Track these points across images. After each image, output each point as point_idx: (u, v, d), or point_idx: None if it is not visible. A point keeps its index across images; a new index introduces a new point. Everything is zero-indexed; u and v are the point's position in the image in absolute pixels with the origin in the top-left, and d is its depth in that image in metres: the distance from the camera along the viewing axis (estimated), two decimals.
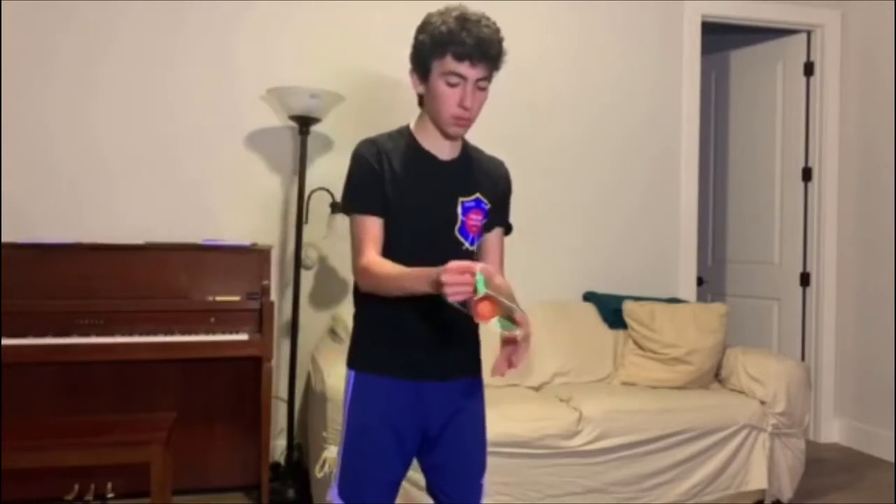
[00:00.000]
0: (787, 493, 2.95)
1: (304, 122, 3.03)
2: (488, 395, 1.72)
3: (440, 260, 1.34)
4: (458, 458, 1.63)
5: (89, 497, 2.58)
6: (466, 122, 1.55)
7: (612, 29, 3.75)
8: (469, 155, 1.67)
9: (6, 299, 2.67)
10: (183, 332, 2.73)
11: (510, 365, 1.37)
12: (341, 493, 1.60)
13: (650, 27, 3.80)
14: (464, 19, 1.47)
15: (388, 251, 1.55)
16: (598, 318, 3.43)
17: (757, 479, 2.85)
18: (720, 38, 4.30)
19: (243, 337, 2.76)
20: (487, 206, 1.64)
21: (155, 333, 2.71)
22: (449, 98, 1.51)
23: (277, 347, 3.17)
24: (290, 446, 3.09)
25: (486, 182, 1.66)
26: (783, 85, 4.13)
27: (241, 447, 3.04)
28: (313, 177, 3.21)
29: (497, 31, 1.51)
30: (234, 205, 3.28)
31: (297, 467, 3.08)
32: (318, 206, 3.17)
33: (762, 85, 4.23)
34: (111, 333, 2.68)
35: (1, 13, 3.04)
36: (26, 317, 2.66)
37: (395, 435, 1.57)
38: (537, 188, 3.56)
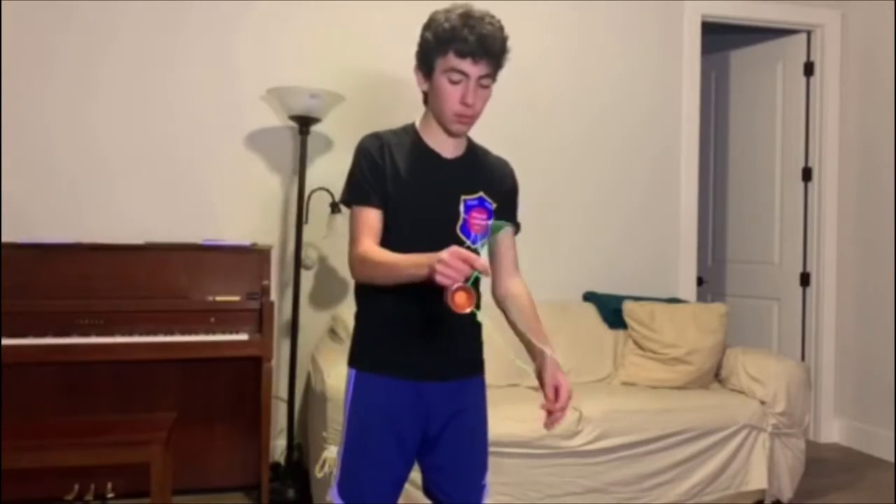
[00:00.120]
0: (787, 493, 2.95)
1: (304, 122, 3.03)
2: (488, 395, 1.72)
3: None
4: (458, 458, 1.63)
5: (89, 497, 2.58)
6: (469, 120, 1.55)
7: (612, 29, 3.75)
8: (474, 154, 1.68)
9: (6, 299, 2.67)
10: (183, 332, 2.73)
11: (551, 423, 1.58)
12: (341, 493, 1.60)
13: (650, 27, 3.80)
14: (467, 16, 1.48)
15: (389, 247, 1.55)
16: (598, 318, 3.43)
17: (757, 479, 2.85)
18: (720, 38, 4.30)
19: (243, 337, 2.76)
20: (492, 206, 1.64)
21: (155, 333, 2.71)
22: (451, 95, 1.51)
23: (277, 347, 3.17)
24: (290, 446, 3.09)
25: (491, 181, 1.66)
26: (783, 85, 4.13)
27: (241, 447, 3.04)
28: (313, 177, 3.21)
29: (500, 28, 1.51)
30: (234, 205, 3.28)
31: (297, 467, 3.08)
32: (318, 206, 3.17)
33: (762, 85, 4.23)
34: (111, 333, 2.68)
35: (1, 13, 3.04)
36: (26, 317, 2.65)
37: (395, 434, 1.57)
38: (537, 188, 3.56)
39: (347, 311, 3.13)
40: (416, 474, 1.73)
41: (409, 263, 1.40)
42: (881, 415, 3.72)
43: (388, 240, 1.56)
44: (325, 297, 3.38)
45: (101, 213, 3.14)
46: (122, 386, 2.95)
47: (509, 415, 2.57)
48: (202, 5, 3.24)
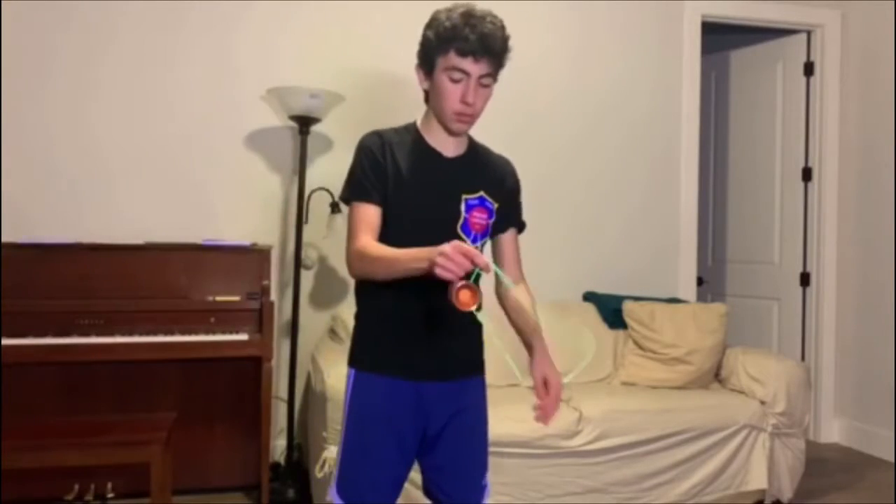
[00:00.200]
0: (787, 493, 2.95)
1: (304, 122, 3.03)
2: (488, 395, 1.72)
3: None
4: (458, 458, 1.63)
5: (89, 497, 2.58)
6: (469, 119, 1.55)
7: (612, 29, 3.75)
8: (475, 153, 1.68)
9: (6, 299, 2.67)
10: (183, 332, 2.73)
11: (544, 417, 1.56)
12: (340, 492, 1.60)
13: (650, 27, 3.80)
14: (469, 15, 1.48)
15: (388, 244, 1.54)
16: (598, 318, 3.43)
17: (757, 479, 2.85)
18: (720, 38, 4.30)
19: (243, 337, 2.76)
20: (493, 206, 1.64)
21: (155, 333, 2.71)
22: (452, 94, 1.51)
23: (277, 347, 3.17)
24: (290, 446, 3.09)
25: (492, 180, 1.66)
26: (783, 85, 4.13)
27: (241, 447, 3.04)
28: (313, 177, 3.21)
29: (502, 28, 1.51)
30: (234, 205, 3.28)
31: (297, 467, 3.08)
32: (318, 206, 3.17)
33: (762, 85, 4.23)
34: (111, 333, 2.68)
35: (1, 13, 3.04)
36: (26, 317, 2.65)
37: (394, 434, 1.57)
38: (538, 187, 3.55)
39: (347, 311, 3.13)
40: (416, 474, 1.73)
41: (409, 257, 1.39)
42: (881, 415, 3.72)
43: (388, 238, 1.56)
44: (325, 297, 3.38)
45: (101, 213, 3.14)
46: (122, 386, 2.95)
47: (509, 415, 2.57)
48: (202, 5, 3.24)
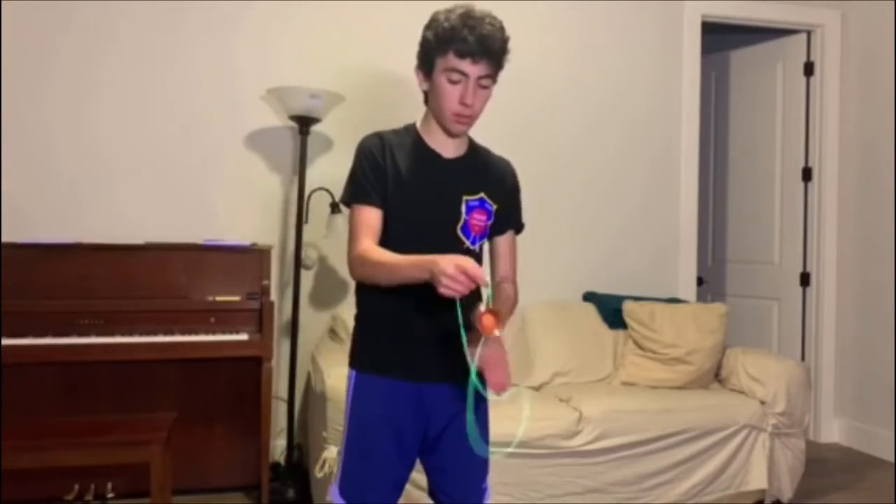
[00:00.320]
0: (787, 493, 2.95)
1: (304, 122, 3.03)
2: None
3: None
4: (459, 460, 1.62)
5: (89, 497, 2.58)
6: (468, 120, 1.55)
7: (612, 29, 3.75)
8: (475, 154, 1.68)
9: (6, 299, 2.67)
10: (183, 332, 2.73)
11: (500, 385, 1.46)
12: (342, 492, 1.60)
13: (650, 27, 3.80)
14: (467, 17, 1.48)
15: (388, 246, 1.55)
16: (598, 318, 3.43)
17: (757, 479, 2.85)
18: (720, 38, 4.30)
19: (243, 337, 2.76)
20: (492, 208, 1.64)
21: (155, 333, 2.71)
22: (450, 95, 1.51)
23: (277, 347, 3.17)
24: (290, 446, 3.09)
25: (492, 182, 1.66)
26: (783, 85, 4.13)
27: (241, 447, 3.04)
28: (313, 177, 3.21)
29: (501, 29, 1.51)
30: (234, 205, 3.28)
31: (297, 467, 3.08)
32: (318, 206, 3.17)
33: (762, 85, 4.23)
34: (111, 333, 2.68)
35: (1, 13, 3.04)
36: (26, 317, 2.66)
37: (395, 435, 1.57)
38: (538, 188, 3.55)
39: (347, 311, 3.13)
40: (417, 475, 1.73)
41: (410, 266, 1.40)
42: (881, 415, 3.72)
43: (388, 239, 1.56)
44: (325, 297, 3.38)
45: (101, 213, 3.14)
46: (122, 386, 2.95)
47: (509, 415, 2.56)
48: (202, 5, 3.24)
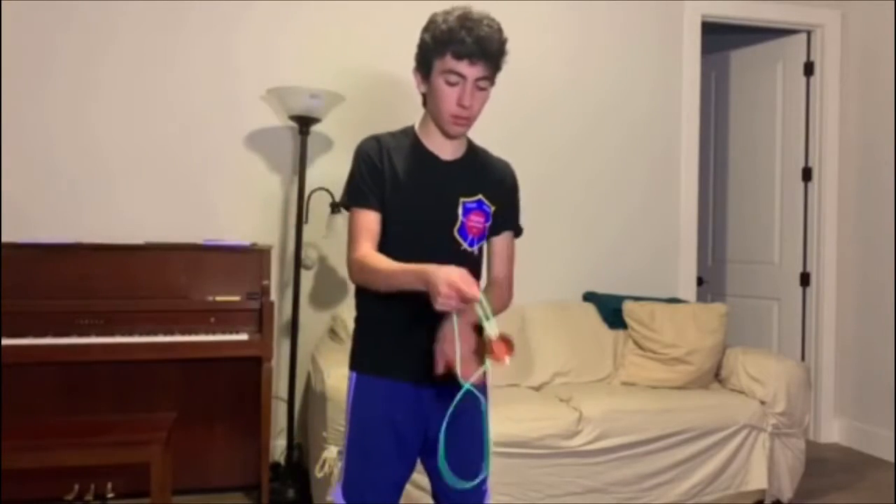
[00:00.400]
0: (787, 493, 2.95)
1: (304, 122, 3.03)
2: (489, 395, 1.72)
3: (437, 259, 1.35)
4: (459, 461, 1.62)
5: (89, 497, 2.58)
6: (466, 122, 1.55)
7: (611, 29, 3.75)
8: (474, 156, 1.67)
9: (6, 299, 2.67)
10: (183, 332, 2.73)
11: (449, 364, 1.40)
12: (345, 494, 1.61)
13: (650, 27, 3.80)
14: (465, 18, 1.48)
15: (386, 248, 1.55)
16: (598, 318, 3.43)
17: (757, 479, 2.85)
18: (720, 38, 4.30)
19: (243, 337, 2.76)
20: (490, 209, 1.64)
21: (155, 333, 2.71)
22: (448, 97, 1.51)
23: (277, 347, 3.17)
24: (290, 446, 3.09)
25: (490, 184, 1.66)
26: (783, 85, 4.13)
27: (241, 447, 3.04)
28: (313, 177, 3.21)
29: (499, 30, 1.51)
30: (234, 205, 3.28)
31: (297, 467, 3.08)
32: (318, 206, 3.17)
33: (762, 85, 4.23)
34: (111, 333, 2.68)
35: (1, 13, 3.04)
36: (26, 317, 2.66)
37: (395, 436, 1.58)
38: (538, 188, 3.56)
39: (347, 311, 3.13)
40: (417, 475, 1.73)
41: (404, 275, 1.41)
42: (881, 415, 3.72)
43: (387, 241, 1.56)
44: (325, 297, 3.38)
45: (101, 213, 3.14)
46: (122, 386, 2.95)
47: (509, 415, 2.57)
48: (202, 5, 3.24)
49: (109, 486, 2.57)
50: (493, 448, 1.68)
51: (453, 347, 1.38)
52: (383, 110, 3.26)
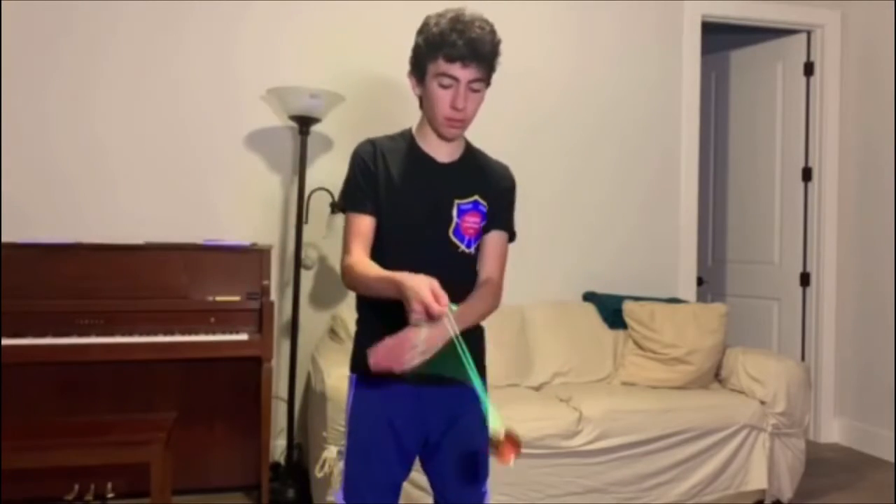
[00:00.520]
0: (787, 493, 2.95)
1: (304, 122, 3.03)
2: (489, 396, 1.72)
3: (434, 261, 1.37)
4: (458, 464, 1.62)
5: (89, 497, 2.58)
6: (460, 124, 1.55)
7: (611, 29, 3.75)
8: (471, 158, 1.67)
9: (6, 299, 2.67)
10: (183, 332, 2.73)
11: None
12: (346, 495, 1.61)
13: (650, 27, 3.80)
14: (456, 21, 1.47)
15: (384, 251, 1.55)
16: (598, 318, 3.43)
17: (757, 479, 2.85)
18: (720, 38, 4.30)
19: (243, 337, 2.76)
20: (486, 209, 1.63)
21: (155, 333, 2.71)
22: (442, 99, 1.51)
23: (277, 347, 3.17)
24: (290, 446, 3.09)
25: (487, 185, 1.65)
26: (783, 85, 4.13)
27: (241, 447, 3.04)
28: (313, 177, 3.21)
29: (491, 32, 1.50)
30: (234, 205, 3.28)
31: (297, 467, 3.08)
32: (318, 206, 3.17)
33: (762, 85, 4.23)
34: (111, 333, 2.68)
35: (1, 13, 3.04)
36: (26, 317, 2.66)
37: (395, 438, 1.58)
38: (538, 189, 3.56)
39: (347, 311, 3.13)
40: (417, 475, 1.73)
41: (378, 282, 1.43)
42: (881, 415, 3.72)
43: (382, 244, 1.57)
44: (325, 297, 3.38)
45: (101, 213, 3.14)
46: (122, 386, 2.95)
47: (509, 415, 2.55)
48: (202, 5, 3.24)
49: (109, 486, 2.57)
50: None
51: (402, 357, 1.35)
52: (383, 110, 3.26)
